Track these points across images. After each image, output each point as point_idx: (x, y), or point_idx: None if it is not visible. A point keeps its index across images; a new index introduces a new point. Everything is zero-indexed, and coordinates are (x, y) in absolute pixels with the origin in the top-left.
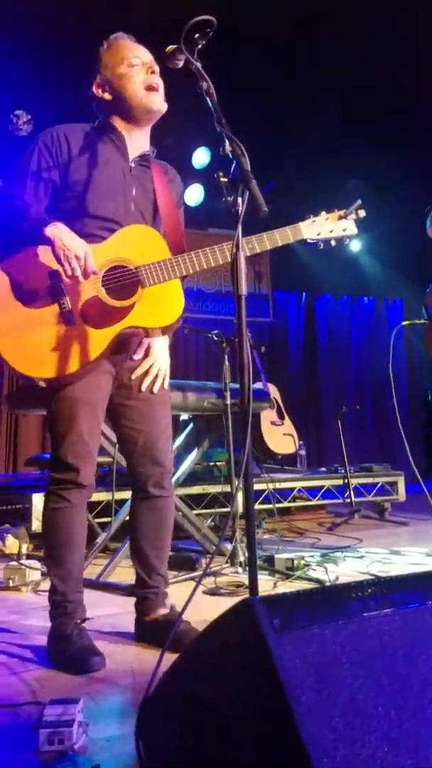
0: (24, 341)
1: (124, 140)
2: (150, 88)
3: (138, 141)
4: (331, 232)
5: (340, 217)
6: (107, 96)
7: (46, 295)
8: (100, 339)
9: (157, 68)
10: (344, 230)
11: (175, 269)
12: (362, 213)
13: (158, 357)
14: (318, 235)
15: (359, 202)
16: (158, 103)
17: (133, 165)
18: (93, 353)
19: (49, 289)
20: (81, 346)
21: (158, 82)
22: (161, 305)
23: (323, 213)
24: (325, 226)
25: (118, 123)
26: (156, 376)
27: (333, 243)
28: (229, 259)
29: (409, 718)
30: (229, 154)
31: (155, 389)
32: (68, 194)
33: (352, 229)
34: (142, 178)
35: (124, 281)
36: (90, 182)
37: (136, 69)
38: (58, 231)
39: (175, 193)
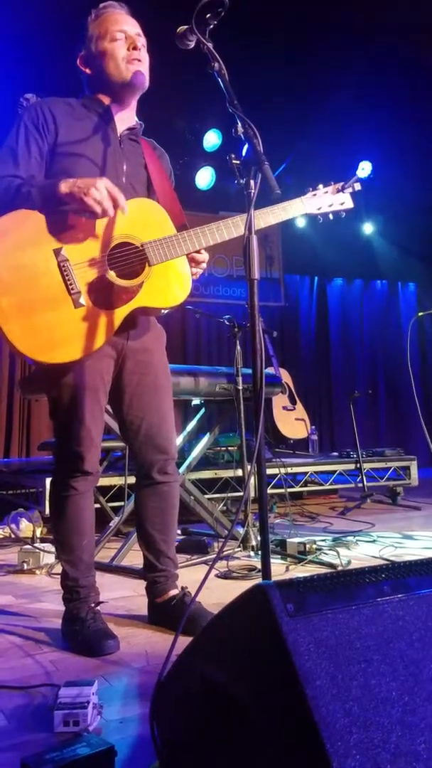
0: (31, 324)
1: (111, 114)
2: (131, 63)
3: (125, 114)
4: (330, 206)
5: (338, 190)
6: (89, 71)
7: (49, 274)
8: (109, 321)
9: (141, 42)
10: (342, 204)
11: (182, 245)
12: (358, 186)
13: None
14: (319, 209)
15: (356, 176)
16: (140, 79)
17: (122, 139)
18: (103, 336)
19: (52, 269)
20: (92, 329)
21: (141, 57)
22: (169, 284)
23: (321, 186)
24: (325, 200)
25: (103, 97)
26: None
27: (331, 217)
28: (235, 234)
29: (423, 703)
30: (242, 135)
31: None
32: (57, 169)
33: (349, 202)
34: (132, 152)
35: (130, 259)
36: (80, 158)
37: (119, 44)
38: (71, 180)
39: (166, 169)
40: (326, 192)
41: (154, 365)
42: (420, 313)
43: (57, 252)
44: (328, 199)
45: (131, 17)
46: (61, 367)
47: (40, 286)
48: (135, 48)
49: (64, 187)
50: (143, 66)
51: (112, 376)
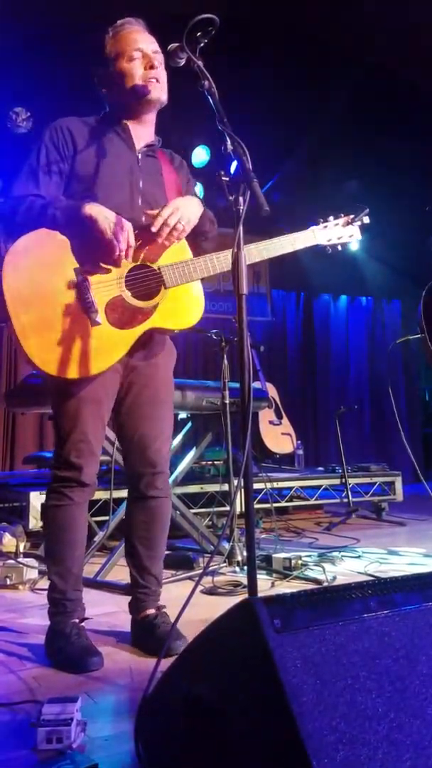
0: (49, 340)
1: (129, 132)
2: (148, 83)
3: (143, 131)
4: (339, 238)
5: (347, 223)
6: (106, 90)
7: (69, 292)
8: (123, 340)
9: (159, 61)
10: (351, 236)
11: (197, 270)
12: (367, 219)
13: (181, 207)
14: (329, 240)
15: (367, 209)
16: (157, 93)
17: (140, 156)
18: (117, 354)
19: (71, 287)
20: (106, 347)
21: (158, 75)
22: (183, 306)
23: (331, 218)
24: (335, 232)
25: (121, 115)
26: (173, 228)
27: (339, 248)
28: (256, 259)
29: (408, 719)
30: (231, 153)
31: (167, 239)
32: (75, 189)
33: (357, 234)
34: (151, 170)
35: (147, 281)
36: (97, 176)
37: (136, 63)
38: (98, 208)
39: (183, 181)
40: (336, 224)
41: (156, 379)
42: (399, 340)
43: (77, 271)
44: (338, 231)
45: (148, 33)
46: (72, 381)
47: (59, 303)
48: (152, 67)
49: (89, 209)
50: (161, 83)
51: (116, 390)
